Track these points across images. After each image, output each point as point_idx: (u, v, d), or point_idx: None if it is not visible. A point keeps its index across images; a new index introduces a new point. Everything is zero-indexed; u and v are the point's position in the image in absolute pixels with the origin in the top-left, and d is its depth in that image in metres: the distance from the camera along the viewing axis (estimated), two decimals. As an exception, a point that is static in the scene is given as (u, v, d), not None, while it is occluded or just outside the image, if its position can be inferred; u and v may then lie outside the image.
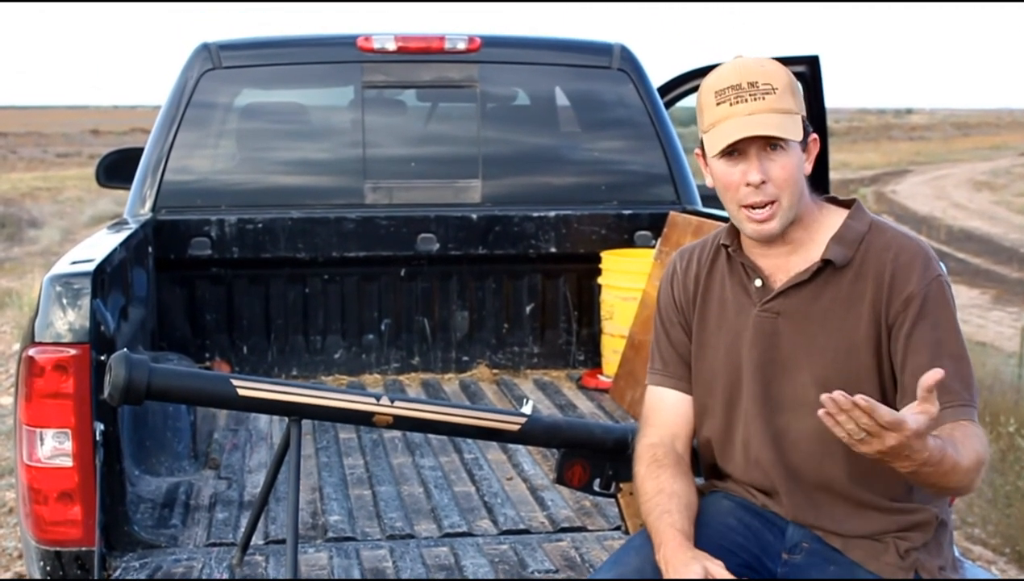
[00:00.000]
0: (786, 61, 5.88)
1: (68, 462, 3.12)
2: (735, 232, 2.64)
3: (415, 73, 5.28)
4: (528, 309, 5.34)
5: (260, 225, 5.03)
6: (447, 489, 3.89)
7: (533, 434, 3.11)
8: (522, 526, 3.57)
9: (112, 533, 3.26)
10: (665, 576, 2.40)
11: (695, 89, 6.45)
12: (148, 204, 4.95)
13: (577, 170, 5.43)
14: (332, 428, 4.48)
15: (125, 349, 3.03)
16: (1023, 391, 8.28)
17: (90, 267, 3.26)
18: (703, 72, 6.39)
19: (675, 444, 2.68)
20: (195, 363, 4.79)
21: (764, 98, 2.45)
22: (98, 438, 3.12)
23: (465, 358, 5.32)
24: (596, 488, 3.13)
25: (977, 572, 2.99)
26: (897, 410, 2.20)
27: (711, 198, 5.36)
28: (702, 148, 2.56)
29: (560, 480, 3.11)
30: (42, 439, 3.11)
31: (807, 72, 5.71)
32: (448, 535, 3.51)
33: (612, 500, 3.21)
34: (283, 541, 3.21)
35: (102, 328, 3.22)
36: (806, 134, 2.51)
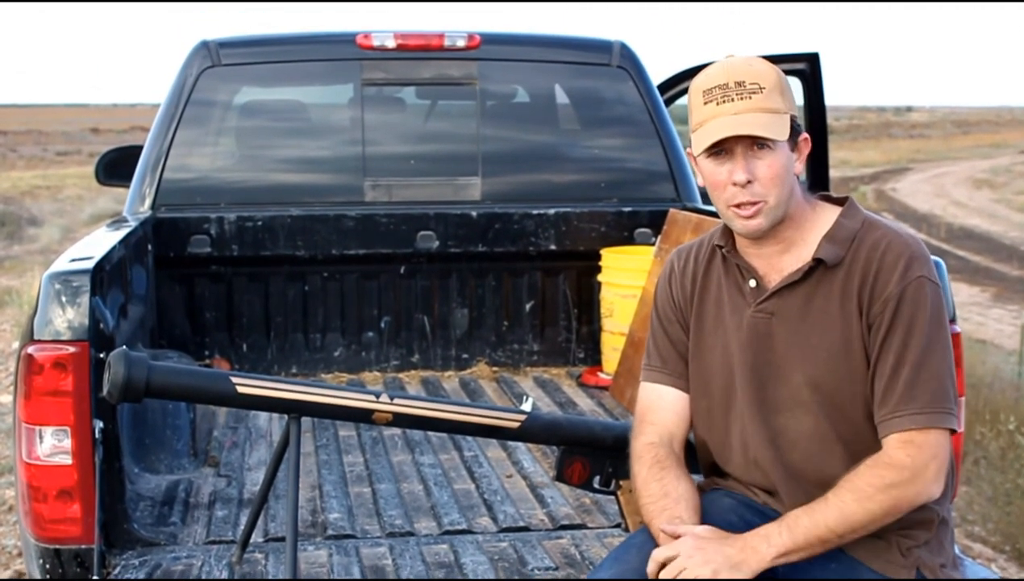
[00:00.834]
0: (786, 59, 5.90)
1: (67, 460, 3.11)
2: (729, 233, 2.64)
3: (415, 71, 5.28)
4: (528, 306, 5.34)
5: (260, 223, 5.03)
6: (447, 487, 3.89)
7: (533, 431, 3.11)
8: (522, 523, 3.57)
9: (111, 531, 3.26)
10: None
11: (695, 87, 6.48)
12: (147, 202, 4.95)
13: (577, 168, 5.43)
14: (332, 426, 4.48)
15: (124, 347, 3.03)
16: (1023, 389, 8.28)
17: (89, 265, 3.25)
18: (702, 70, 6.41)
19: (673, 444, 2.68)
20: (194, 361, 4.79)
21: (751, 97, 2.45)
22: (97, 436, 3.12)
23: (465, 355, 5.32)
24: (596, 485, 3.12)
25: (978, 570, 2.99)
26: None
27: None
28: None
29: (560, 477, 3.11)
30: (41, 437, 3.11)
31: (807, 69, 5.71)
32: (448, 533, 3.51)
33: (612, 497, 3.20)
34: (283, 539, 3.21)
35: (101, 326, 3.22)
36: (796, 134, 2.51)
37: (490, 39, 5.29)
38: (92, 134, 59.99)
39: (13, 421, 3.28)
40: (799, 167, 2.54)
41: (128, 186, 5.13)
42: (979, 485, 6.70)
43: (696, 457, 2.78)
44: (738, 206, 2.49)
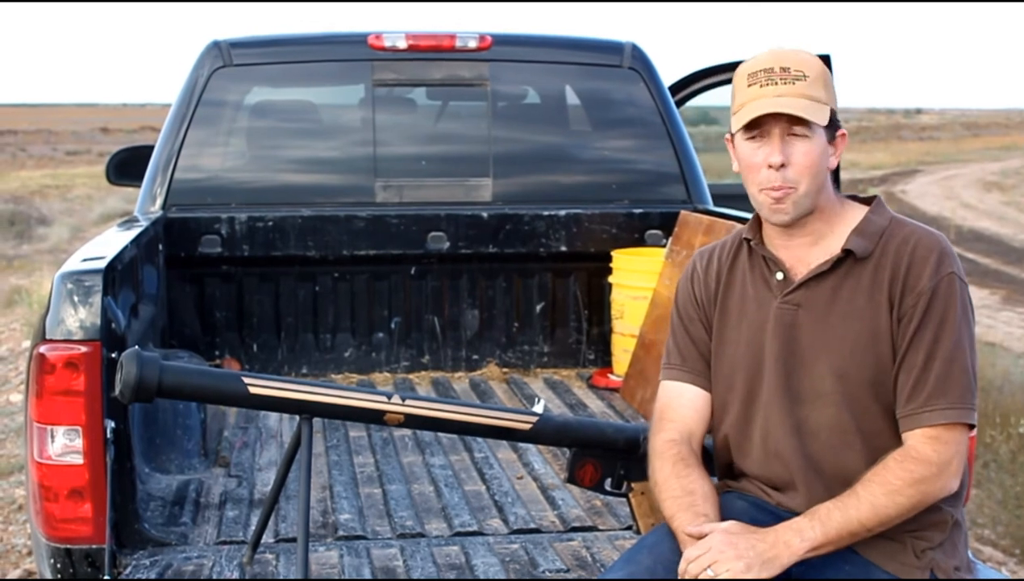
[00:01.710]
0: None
1: (79, 459, 3.11)
2: (757, 226, 2.67)
3: (426, 71, 5.28)
4: (538, 308, 5.33)
5: (270, 223, 5.03)
6: (457, 488, 3.89)
7: (545, 433, 3.11)
8: (533, 525, 3.56)
9: (122, 531, 3.26)
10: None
11: (706, 88, 6.48)
12: (159, 202, 4.95)
13: (588, 169, 5.42)
14: (342, 426, 4.48)
15: (136, 346, 3.03)
16: (1033, 392, 8.26)
17: (101, 265, 3.25)
18: (714, 71, 6.41)
19: (692, 442, 2.68)
20: (205, 361, 4.79)
21: (794, 83, 2.49)
22: (109, 435, 3.11)
23: (475, 357, 5.32)
24: (607, 488, 3.12)
25: (989, 573, 2.98)
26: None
27: (722, 197, 5.36)
28: (732, 133, 2.59)
29: (571, 479, 3.10)
30: (53, 436, 3.11)
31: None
32: (459, 534, 3.50)
33: (623, 500, 3.20)
34: (293, 540, 3.21)
35: (113, 325, 3.22)
36: (835, 127, 2.54)
37: (501, 40, 5.28)
38: (102, 133, 60.10)
39: (24, 420, 3.28)
40: (834, 162, 2.56)
41: (138, 186, 5.13)
42: (989, 488, 6.68)
43: (711, 460, 2.77)
44: (771, 190, 2.51)
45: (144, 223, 4.43)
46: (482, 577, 3.18)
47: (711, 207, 5.12)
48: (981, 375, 7.64)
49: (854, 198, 2.66)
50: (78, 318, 3.12)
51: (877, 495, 2.40)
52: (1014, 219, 23.64)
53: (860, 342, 2.50)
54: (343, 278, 5.20)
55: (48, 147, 50.47)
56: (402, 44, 5.17)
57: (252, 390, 2.88)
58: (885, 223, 2.56)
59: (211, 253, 5.00)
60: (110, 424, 3.13)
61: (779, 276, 2.61)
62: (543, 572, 3.20)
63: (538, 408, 3.15)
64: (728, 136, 2.63)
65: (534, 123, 5.52)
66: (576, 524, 3.57)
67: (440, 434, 4.32)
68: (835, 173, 2.67)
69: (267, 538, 3.37)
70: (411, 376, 5.23)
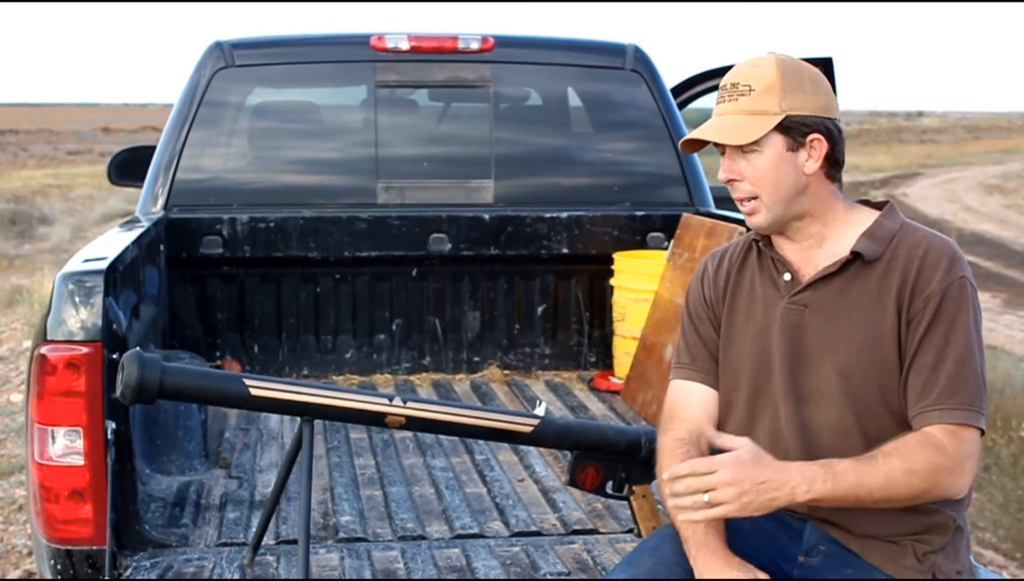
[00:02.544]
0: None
1: (79, 460, 3.11)
2: None
3: (428, 73, 5.27)
4: (540, 310, 5.33)
5: (272, 224, 5.03)
6: (458, 490, 3.88)
7: (546, 436, 3.10)
8: (534, 528, 3.56)
9: (123, 532, 3.26)
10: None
11: (708, 90, 6.48)
12: (160, 202, 4.95)
13: (590, 171, 5.42)
14: (343, 428, 4.48)
15: (137, 347, 3.02)
16: (1035, 395, 8.25)
17: (102, 265, 3.25)
18: (716, 73, 6.39)
19: (700, 441, 2.66)
20: (206, 362, 4.78)
21: (737, 100, 2.51)
22: (109, 436, 3.11)
23: (476, 359, 5.32)
24: (609, 490, 3.12)
25: (991, 577, 2.97)
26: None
27: (724, 200, 5.36)
28: None
29: (572, 482, 3.10)
30: (53, 437, 3.11)
31: (820, 74, 5.68)
32: (459, 536, 3.50)
33: (624, 503, 3.20)
34: (294, 541, 3.21)
35: (114, 326, 3.22)
36: (800, 133, 2.50)
37: (504, 42, 5.28)
38: (103, 133, 60.13)
39: (25, 421, 3.28)
40: (812, 166, 2.52)
41: (140, 186, 5.13)
42: (990, 492, 6.67)
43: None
44: (738, 201, 2.58)
45: (146, 224, 4.42)
46: (483, 579, 3.18)
47: (713, 209, 5.11)
48: (982, 378, 7.65)
49: (867, 203, 2.65)
50: (79, 319, 3.11)
51: (896, 469, 2.36)
52: (1016, 222, 23.64)
53: (866, 344, 2.50)
54: (344, 279, 5.20)
55: (50, 147, 50.49)
56: (404, 45, 5.17)
57: (253, 392, 2.88)
58: (896, 228, 2.55)
59: (213, 254, 5.00)
60: (111, 425, 3.13)
61: (787, 277, 2.61)
62: (544, 575, 3.20)
63: (539, 411, 3.15)
64: None
65: (536, 125, 5.52)
66: (577, 527, 3.57)
67: (441, 436, 4.32)
68: (836, 175, 2.64)
69: (268, 540, 3.37)
70: (412, 378, 5.23)
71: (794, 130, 2.50)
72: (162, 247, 4.69)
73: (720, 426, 2.73)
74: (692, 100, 6.43)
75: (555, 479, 3.99)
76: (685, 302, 2.82)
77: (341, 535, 3.49)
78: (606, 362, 5.30)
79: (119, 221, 4.90)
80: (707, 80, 6.40)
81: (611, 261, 5.17)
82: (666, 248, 5.08)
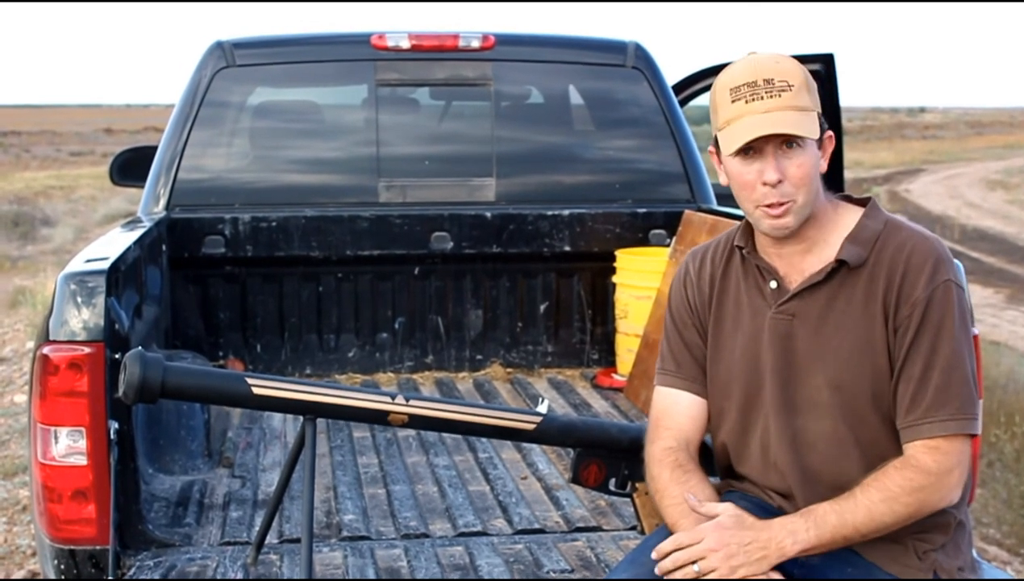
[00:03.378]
0: (801, 59, 5.85)
1: (82, 460, 3.11)
2: (749, 233, 2.62)
3: (429, 71, 5.27)
4: (542, 308, 5.33)
5: (274, 223, 5.03)
6: (461, 488, 3.88)
7: (549, 433, 3.10)
8: (537, 526, 3.56)
9: (126, 532, 3.26)
10: None
11: (710, 87, 6.48)
12: (162, 202, 4.95)
13: (591, 169, 5.42)
14: (346, 427, 4.48)
15: (139, 347, 3.03)
16: (1038, 391, 8.24)
17: (104, 265, 3.25)
18: (717, 70, 6.38)
19: (689, 448, 2.66)
20: (209, 362, 4.79)
21: (780, 95, 2.42)
22: (112, 436, 3.12)
23: (479, 357, 5.31)
24: (611, 488, 3.11)
25: (995, 573, 2.97)
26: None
27: (726, 197, 5.36)
28: (716, 146, 2.53)
29: (575, 480, 3.10)
30: (56, 437, 3.11)
31: (822, 70, 5.69)
32: (463, 534, 3.50)
33: (627, 500, 3.20)
34: (298, 540, 3.21)
35: (116, 326, 3.22)
36: (822, 131, 2.49)
37: (505, 40, 5.28)
38: (105, 134, 60.17)
39: (28, 421, 3.28)
40: (823, 165, 2.52)
41: (142, 186, 5.13)
42: (994, 487, 6.67)
43: (711, 459, 2.76)
44: (768, 206, 2.46)
45: (147, 224, 4.43)
46: (486, 577, 3.18)
47: (715, 206, 5.11)
48: (985, 374, 7.65)
49: (848, 198, 2.61)
50: (81, 319, 3.12)
51: (875, 501, 2.37)
52: (1018, 218, 23.61)
53: (855, 353, 2.47)
54: (347, 278, 5.20)
55: (52, 148, 50.54)
56: (405, 44, 5.17)
57: (255, 390, 2.88)
58: (880, 227, 2.51)
59: (215, 254, 5.00)
60: (114, 425, 3.13)
61: (773, 285, 2.57)
62: (547, 572, 3.20)
63: (542, 408, 3.15)
64: (712, 149, 2.57)
65: (537, 123, 5.52)
66: (580, 524, 3.57)
67: (444, 434, 4.32)
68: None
69: (271, 539, 3.37)
70: (415, 376, 5.23)
71: (821, 128, 2.48)
72: (164, 247, 4.69)
73: (713, 435, 2.72)
74: (693, 97, 6.43)
75: (558, 477, 3.98)
76: (668, 305, 2.78)
77: (344, 534, 3.49)
78: (609, 359, 5.30)
79: (121, 222, 4.90)
80: (708, 77, 6.39)
81: (613, 258, 5.16)
82: (668, 245, 5.07)
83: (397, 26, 6.35)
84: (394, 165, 5.23)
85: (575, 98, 5.57)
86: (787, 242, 2.53)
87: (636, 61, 5.33)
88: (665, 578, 2.42)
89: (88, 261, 3.37)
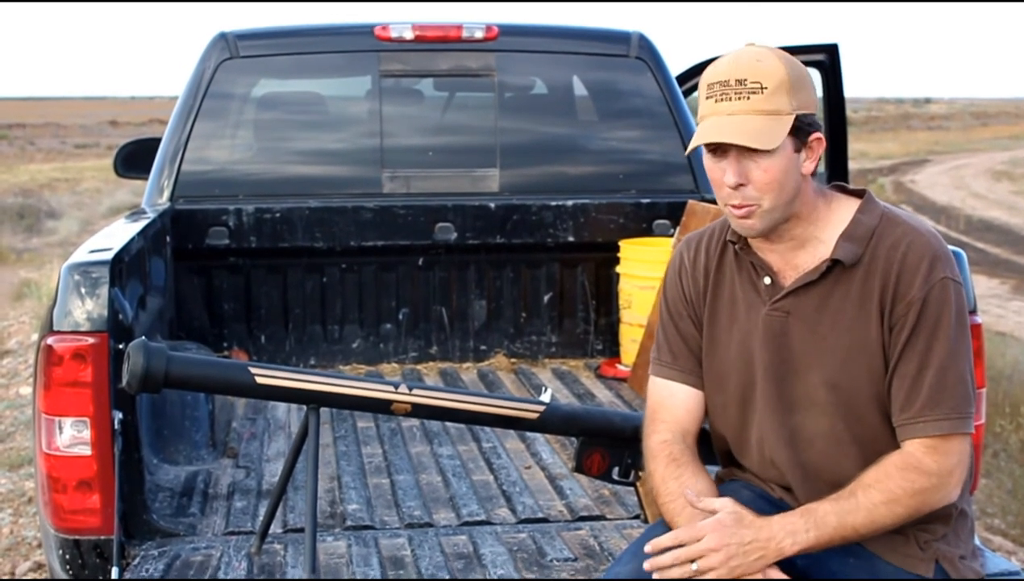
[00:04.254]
0: (805, 50, 5.86)
1: (87, 451, 3.12)
2: None
3: (433, 62, 5.27)
4: (546, 298, 5.33)
5: (278, 215, 5.03)
6: (465, 478, 3.89)
7: (552, 422, 3.10)
8: (540, 515, 3.56)
9: (131, 522, 3.27)
10: None
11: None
12: (166, 194, 4.96)
13: (595, 159, 5.42)
14: (350, 417, 4.48)
15: (143, 337, 3.03)
16: (1043, 381, 8.24)
17: (108, 256, 3.26)
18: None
19: (686, 440, 2.64)
20: (213, 352, 4.79)
21: (749, 98, 2.37)
22: (116, 427, 3.12)
23: (483, 347, 5.32)
24: (615, 476, 3.12)
25: (998, 562, 2.97)
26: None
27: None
28: None
29: (579, 468, 3.10)
30: (61, 428, 3.12)
31: (826, 61, 5.68)
32: (466, 524, 3.50)
33: (631, 488, 3.20)
34: (301, 530, 3.22)
35: (120, 317, 3.23)
36: (806, 133, 2.42)
37: (508, 30, 5.28)
38: (110, 127, 60.17)
39: (33, 412, 3.29)
40: (809, 166, 2.44)
41: (146, 178, 5.14)
42: (999, 478, 6.68)
43: (711, 447, 2.76)
44: (734, 206, 2.44)
45: (151, 215, 4.43)
46: (490, 566, 3.18)
47: (718, 196, 5.10)
48: (990, 365, 7.66)
49: (842, 189, 2.57)
50: (85, 310, 3.12)
51: (876, 503, 2.36)
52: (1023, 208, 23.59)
53: (852, 352, 2.45)
54: (351, 269, 5.20)
55: (57, 140, 50.55)
56: (409, 35, 5.17)
57: (259, 380, 2.89)
58: (875, 222, 2.47)
59: (218, 245, 5.01)
60: (118, 415, 3.13)
61: (767, 281, 2.54)
62: (551, 561, 3.21)
63: (545, 397, 3.15)
64: None
65: (541, 113, 5.52)
66: (584, 513, 3.57)
67: (448, 424, 4.33)
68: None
69: (275, 528, 3.38)
70: (419, 367, 5.23)
71: (802, 131, 2.40)
72: (168, 238, 4.69)
73: (713, 426, 2.71)
74: (696, 88, 6.43)
75: (562, 466, 3.99)
76: (663, 294, 2.75)
77: (348, 523, 3.50)
78: (612, 349, 5.31)
79: (125, 213, 4.91)
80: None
81: (617, 249, 5.16)
82: (672, 235, 5.08)
83: (400, 17, 6.33)
84: (398, 156, 5.23)
85: (579, 89, 5.57)
86: (775, 240, 2.50)
87: (640, 51, 5.33)
88: (662, 576, 2.42)
89: (92, 252, 3.38)
